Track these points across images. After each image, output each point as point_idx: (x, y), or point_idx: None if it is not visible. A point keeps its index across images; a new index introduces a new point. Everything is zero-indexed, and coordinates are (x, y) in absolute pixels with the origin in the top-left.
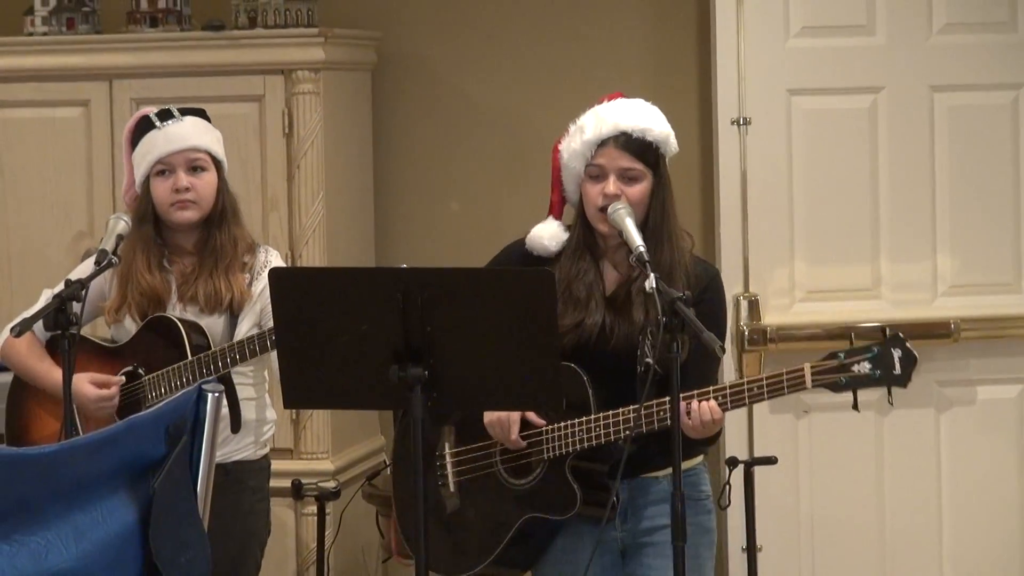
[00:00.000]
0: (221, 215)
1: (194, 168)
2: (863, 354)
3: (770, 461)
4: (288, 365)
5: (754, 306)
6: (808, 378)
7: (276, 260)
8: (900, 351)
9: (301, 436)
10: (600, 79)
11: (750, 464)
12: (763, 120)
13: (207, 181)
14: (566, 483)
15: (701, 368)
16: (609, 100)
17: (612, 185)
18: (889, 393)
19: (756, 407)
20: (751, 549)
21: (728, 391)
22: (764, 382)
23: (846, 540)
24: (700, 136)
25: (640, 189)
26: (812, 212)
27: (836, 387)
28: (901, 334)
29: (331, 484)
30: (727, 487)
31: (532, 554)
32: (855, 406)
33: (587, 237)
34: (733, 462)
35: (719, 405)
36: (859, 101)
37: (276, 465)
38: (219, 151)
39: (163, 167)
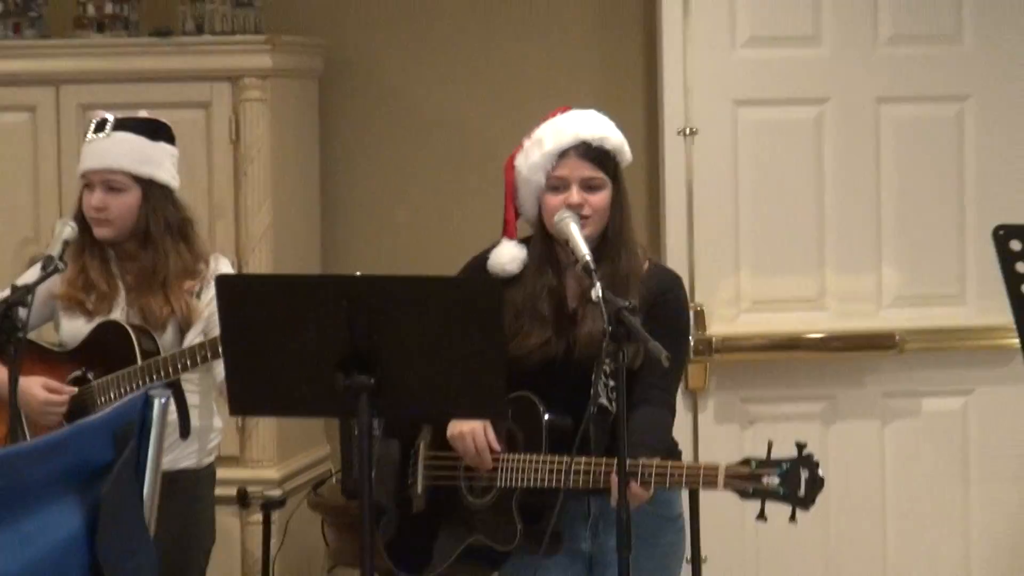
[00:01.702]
0: (147, 235)
1: (111, 188)
2: (772, 468)
3: None
4: (234, 372)
5: (699, 317)
6: (721, 479)
7: (225, 267)
8: (808, 472)
9: (247, 444)
10: (548, 88)
11: None
12: (709, 130)
13: (122, 202)
14: (510, 516)
15: (651, 378)
16: (561, 113)
17: (576, 195)
18: (792, 512)
19: (700, 415)
20: (696, 560)
21: (654, 470)
22: (684, 471)
23: (791, 550)
24: (646, 146)
25: (602, 197)
26: (758, 223)
27: (743, 495)
28: (814, 456)
29: (277, 492)
30: None
31: (495, 558)
32: (761, 515)
33: (548, 251)
34: None
35: (643, 482)
36: (805, 112)
37: (221, 473)
38: (146, 171)
39: (85, 182)
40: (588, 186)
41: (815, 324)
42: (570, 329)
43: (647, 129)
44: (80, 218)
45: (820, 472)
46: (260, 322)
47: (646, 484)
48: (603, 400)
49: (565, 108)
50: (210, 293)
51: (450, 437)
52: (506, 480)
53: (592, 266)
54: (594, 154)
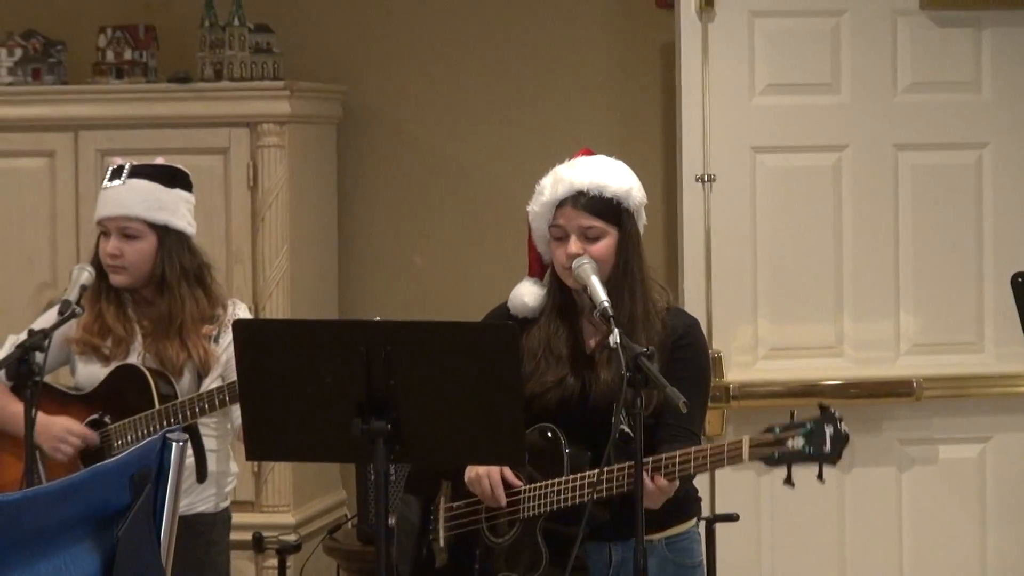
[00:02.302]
0: (163, 281)
1: (126, 235)
2: (796, 429)
3: (732, 518)
4: (251, 417)
5: (717, 363)
6: (746, 451)
7: (243, 312)
8: (832, 428)
9: (263, 489)
10: (565, 135)
11: (712, 521)
12: (728, 177)
13: (137, 249)
14: (535, 544)
15: (674, 420)
16: (570, 159)
17: (574, 245)
18: (820, 470)
19: None
20: None
21: (677, 461)
22: (708, 452)
23: None
24: (665, 192)
25: (603, 246)
26: (776, 269)
27: (769, 461)
28: (835, 411)
29: (292, 537)
30: None
31: None
32: (788, 480)
33: (561, 297)
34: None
35: (667, 475)
36: (823, 159)
37: (237, 518)
38: (161, 218)
39: (102, 229)
40: (586, 236)
41: (833, 371)
42: (587, 370)
43: (665, 175)
44: (97, 264)
45: (843, 426)
46: (277, 367)
47: (670, 476)
48: (624, 427)
49: (587, 150)
50: (228, 338)
51: (467, 481)
52: (529, 510)
53: (611, 312)
54: (591, 204)
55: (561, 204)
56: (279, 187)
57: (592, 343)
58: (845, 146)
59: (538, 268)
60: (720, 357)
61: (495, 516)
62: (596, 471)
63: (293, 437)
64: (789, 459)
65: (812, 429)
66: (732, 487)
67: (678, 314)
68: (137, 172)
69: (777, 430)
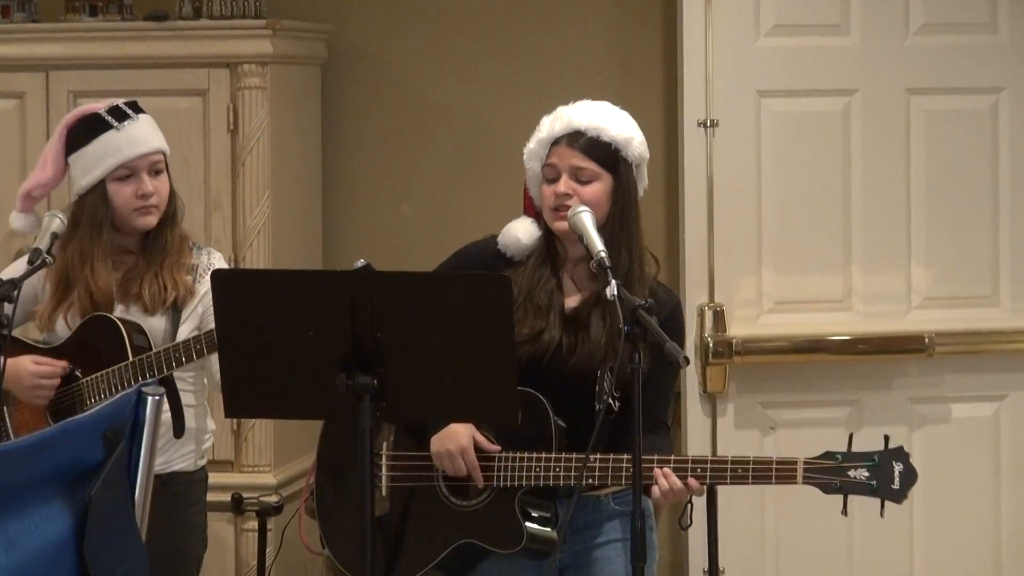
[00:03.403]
0: (173, 215)
1: (156, 171)
2: (862, 461)
3: None
4: (230, 372)
5: (719, 317)
6: (800, 475)
7: (219, 262)
8: (902, 465)
9: (242, 448)
10: (562, 77)
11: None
12: (731, 122)
13: (165, 183)
14: (513, 517)
15: (660, 383)
16: (574, 102)
17: (563, 184)
18: (882, 506)
19: (719, 420)
20: (713, 572)
21: (709, 467)
22: (751, 466)
23: (813, 562)
24: (665, 139)
25: (594, 190)
26: (781, 219)
27: (827, 489)
28: (905, 448)
29: (273, 499)
30: (688, 506)
31: (466, 568)
32: (844, 511)
33: (550, 245)
34: None
35: (698, 478)
36: (832, 104)
37: (215, 478)
38: (167, 149)
39: (127, 171)
40: (578, 177)
41: (840, 326)
42: (565, 329)
43: (666, 120)
44: (99, 220)
45: (912, 463)
46: (258, 319)
47: (701, 479)
48: (609, 400)
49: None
50: (205, 286)
51: (434, 455)
52: (504, 479)
53: (608, 263)
54: (587, 144)
55: (556, 142)
56: (260, 131)
57: (572, 301)
58: (855, 90)
59: (533, 211)
60: (723, 311)
61: (456, 478)
62: (594, 456)
63: (274, 393)
64: (850, 491)
65: (880, 463)
66: (734, 447)
67: (665, 290)
68: (136, 106)
69: (839, 457)
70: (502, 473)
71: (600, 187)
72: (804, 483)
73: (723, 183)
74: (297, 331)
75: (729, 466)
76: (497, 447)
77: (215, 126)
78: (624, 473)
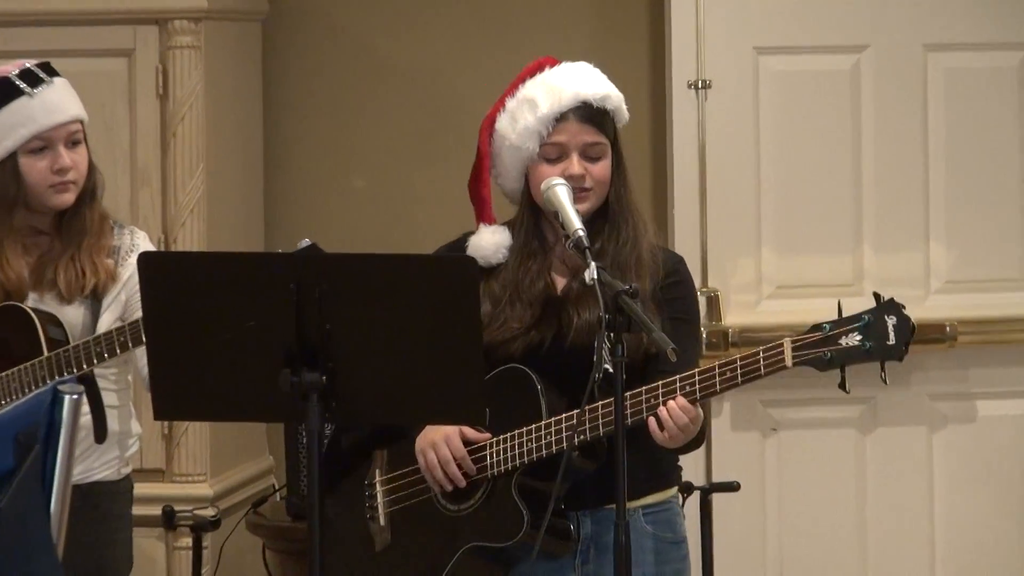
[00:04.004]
0: (92, 191)
1: (74, 142)
2: (852, 324)
3: (731, 487)
4: (159, 369)
5: (713, 303)
6: (788, 355)
7: (144, 243)
8: (895, 318)
9: (174, 455)
10: (531, 32)
11: (708, 491)
12: (726, 84)
13: (84, 155)
14: (511, 503)
15: (679, 342)
16: (550, 67)
17: (576, 164)
18: (882, 369)
19: (714, 421)
20: None
21: (697, 380)
22: (738, 364)
23: None
24: (651, 103)
25: (604, 166)
26: (783, 193)
27: (821, 364)
28: (895, 298)
29: (209, 512)
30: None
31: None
32: (842, 385)
33: (536, 230)
34: (687, 488)
35: (687, 398)
36: (840, 62)
37: (142, 489)
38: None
39: (41, 143)
40: (589, 155)
41: (850, 313)
42: (558, 317)
43: (651, 82)
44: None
45: (907, 313)
46: (191, 308)
47: (691, 398)
48: (607, 366)
49: (551, 60)
50: (128, 270)
51: (419, 451)
52: (498, 465)
53: (586, 243)
54: (596, 116)
55: (562, 118)
56: (194, 96)
57: (562, 283)
58: (865, 46)
59: (490, 210)
60: (717, 296)
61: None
62: (576, 411)
63: (210, 392)
64: (845, 360)
65: (870, 321)
66: (731, 450)
67: (663, 250)
68: (49, 69)
69: (827, 327)
70: (495, 459)
71: (607, 162)
72: (795, 364)
73: (717, 152)
74: (235, 321)
75: (717, 372)
76: (486, 435)
77: (142, 90)
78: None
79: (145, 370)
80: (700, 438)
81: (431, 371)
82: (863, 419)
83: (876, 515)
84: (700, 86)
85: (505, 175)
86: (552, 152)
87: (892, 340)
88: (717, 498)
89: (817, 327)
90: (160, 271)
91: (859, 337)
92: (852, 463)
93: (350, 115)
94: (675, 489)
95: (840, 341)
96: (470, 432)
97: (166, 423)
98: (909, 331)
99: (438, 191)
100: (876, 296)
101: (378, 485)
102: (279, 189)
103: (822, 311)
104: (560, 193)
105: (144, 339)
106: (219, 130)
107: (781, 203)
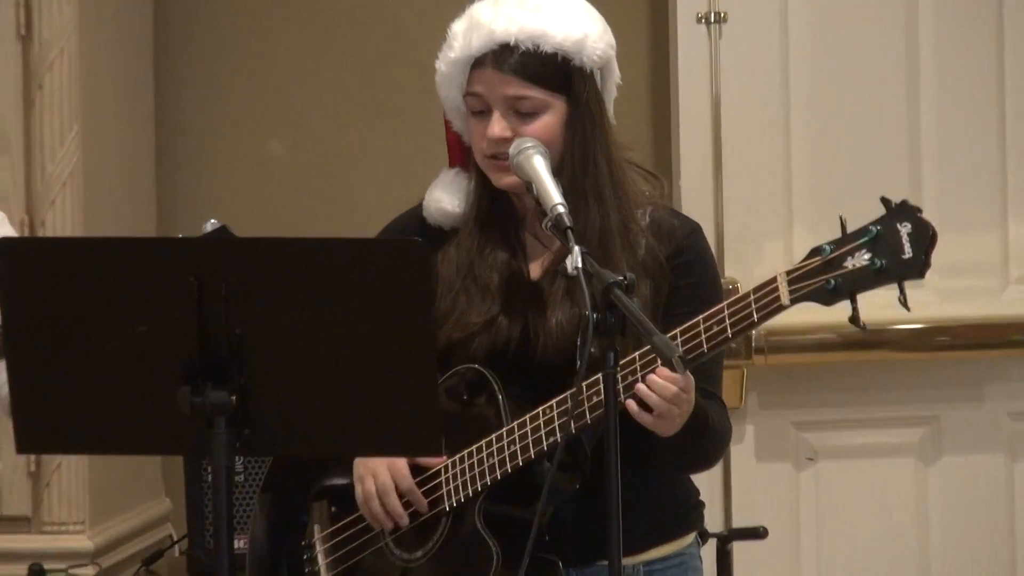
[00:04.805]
0: None
1: None
2: (857, 240)
3: (757, 534)
4: (22, 388)
5: None
6: (784, 291)
7: (3, 227)
8: (909, 224)
9: (43, 498)
10: None
11: (727, 538)
12: (744, 16)
13: None
14: (477, 538)
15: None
16: None
17: (496, 125)
18: (901, 291)
19: (734, 448)
20: None
21: (679, 337)
22: (725, 313)
23: None
24: (652, 40)
25: (543, 125)
26: (817, 155)
27: (824, 296)
28: (909, 201)
29: (89, 571)
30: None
31: None
32: (855, 319)
33: (488, 200)
34: (703, 535)
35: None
36: None
37: (4, 542)
38: None
39: None
40: (516, 110)
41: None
42: (531, 307)
43: (652, 15)
44: None
45: (924, 216)
46: (63, 311)
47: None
48: (593, 348)
49: None
50: None
51: (356, 479)
52: (459, 492)
53: (568, 222)
54: (523, 64)
55: (477, 64)
56: (65, 37)
57: (536, 268)
58: None
59: (460, 153)
60: (737, 289)
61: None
62: (544, 407)
63: (88, 418)
64: (853, 286)
65: (879, 233)
66: (756, 486)
67: (672, 215)
68: None
69: (828, 248)
70: (452, 486)
71: (550, 119)
72: (794, 301)
73: (734, 102)
74: (120, 327)
75: (702, 327)
76: (440, 458)
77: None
78: (588, 404)
79: (4, 389)
80: (708, 443)
81: (370, 387)
82: (925, 443)
83: (942, 566)
84: (713, 20)
85: (456, 123)
86: (476, 104)
87: (908, 253)
88: (739, 547)
89: (817, 250)
90: (22, 262)
91: (867, 255)
92: (911, 498)
93: (264, 60)
94: (692, 536)
95: (845, 263)
96: (424, 461)
97: (32, 457)
98: (928, 238)
99: (383, 153)
100: (884, 201)
101: (319, 543)
102: (175, 156)
103: (868, 307)
104: (532, 158)
105: (2, 351)
106: (98, 82)
107: (815, 168)
